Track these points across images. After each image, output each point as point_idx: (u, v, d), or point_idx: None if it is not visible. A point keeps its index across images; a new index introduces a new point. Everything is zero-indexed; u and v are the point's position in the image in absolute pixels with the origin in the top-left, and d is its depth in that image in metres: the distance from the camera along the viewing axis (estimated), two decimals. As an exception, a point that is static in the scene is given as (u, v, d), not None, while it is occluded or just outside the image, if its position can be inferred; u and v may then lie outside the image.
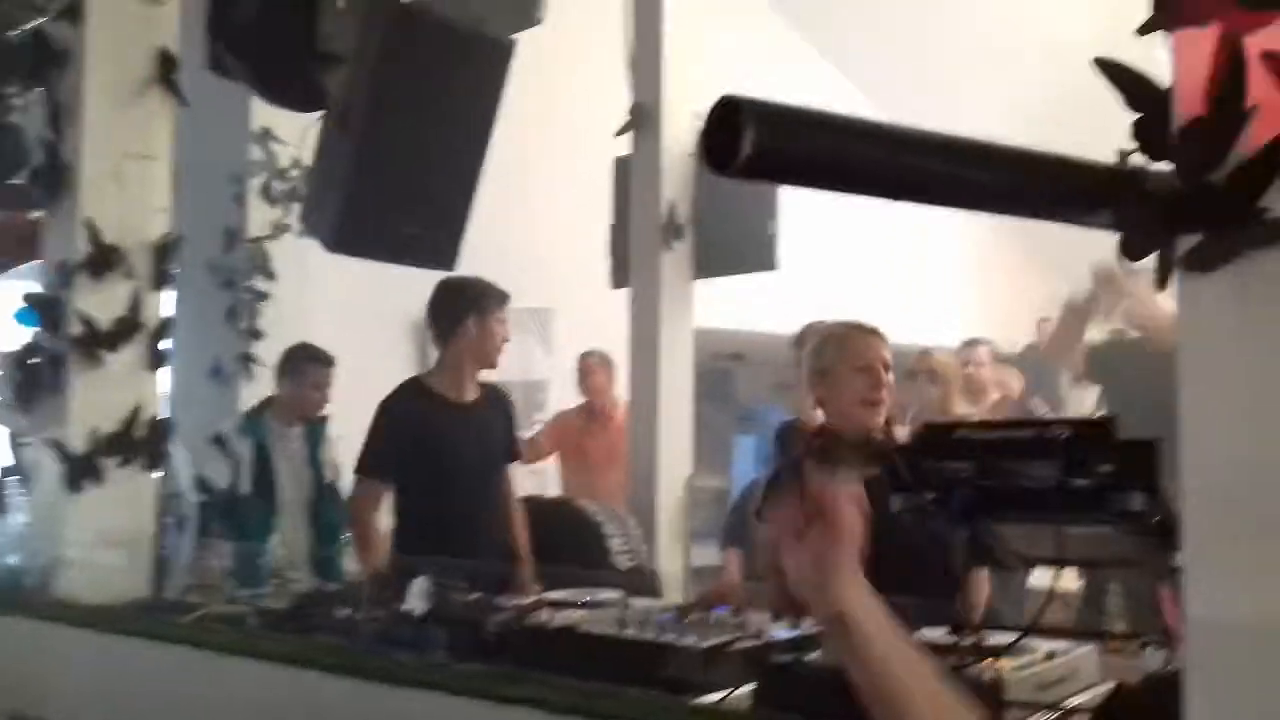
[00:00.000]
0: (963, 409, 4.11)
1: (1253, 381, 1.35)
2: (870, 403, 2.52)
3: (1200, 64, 1.40)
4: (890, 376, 2.55)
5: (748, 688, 1.79)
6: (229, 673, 2.21)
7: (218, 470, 3.89)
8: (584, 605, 2.39)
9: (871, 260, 8.29)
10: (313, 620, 2.29)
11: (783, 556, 1.08)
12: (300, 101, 3.17)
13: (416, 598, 2.03)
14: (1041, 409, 5.35)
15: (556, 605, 2.36)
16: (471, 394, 3.42)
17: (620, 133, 4.36)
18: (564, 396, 6.03)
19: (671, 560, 3.84)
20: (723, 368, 9.00)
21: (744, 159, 1.15)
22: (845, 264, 8.04)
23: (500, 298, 3.47)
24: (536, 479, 6.57)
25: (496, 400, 3.54)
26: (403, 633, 2.02)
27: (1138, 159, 1.49)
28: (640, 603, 2.47)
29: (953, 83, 7.73)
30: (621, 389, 5.62)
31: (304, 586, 3.05)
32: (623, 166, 4.55)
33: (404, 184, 3.20)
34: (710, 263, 4.23)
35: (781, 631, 2.04)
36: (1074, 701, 1.75)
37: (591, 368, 5.57)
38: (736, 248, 4.17)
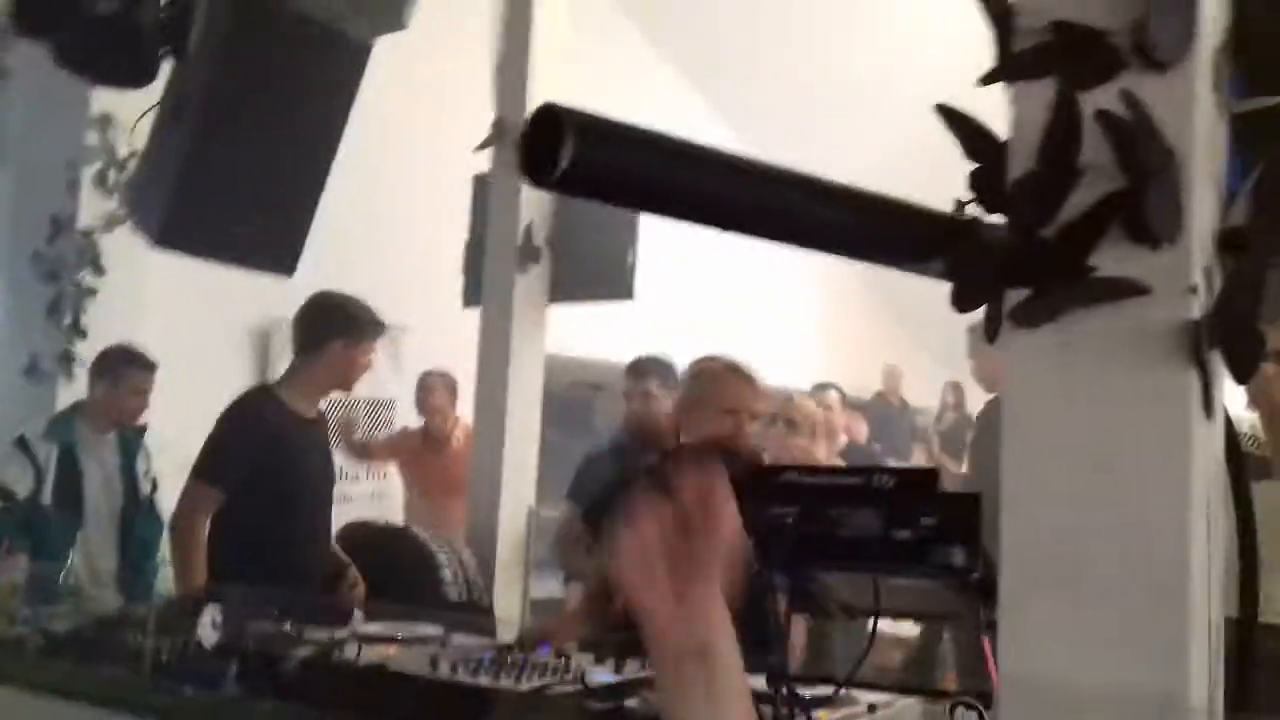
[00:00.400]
0: (820, 454, 4.15)
1: (1074, 441, 1.34)
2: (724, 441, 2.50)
3: (1037, 118, 1.40)
4: (753, 424, 2.56)
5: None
6: (-11, 704, 2.01)
7: (18, 477, 3.62)
8: (400, 641, 2.27)
9: (727, 296, 8.36)
10: (98, 646, 2.11)
11: (631, 577, 0.87)
12: (119, 76, 2.98)
13: (207, 627, 1.88)
14: (882, 456, 5.45)
15: (370, 640, 2.23)
16: (315, 411, 3.27)
17: (481, 147, 4.26)
18: (411, 416, 5.86)
19: (510, 593, 3.73)
20: (582, 397, 8.92)
21: (562, 170, 1.08)
22: (702, 297, 8.08)
23: (376, 329, 3.32)
24: (379, 503, 6.39)
25: (324, 421, 3.43)
26: (192, 665, 1.87)
27: (974, 210, 1.48)
28: (461, 640, 2.36)
29: (825, 124, 7.87)
30: (465, 411, 5.50)
31: (104, 607, 2.84)
32: (482, 184, 4.45)
33: (240, 181, 3.03)
34: (566, 288, 4.16)
35: (602, 675, 1.96)
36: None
37: (432, 387, 5.44)
38: (594, 274, 4.11)
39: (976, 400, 5.65)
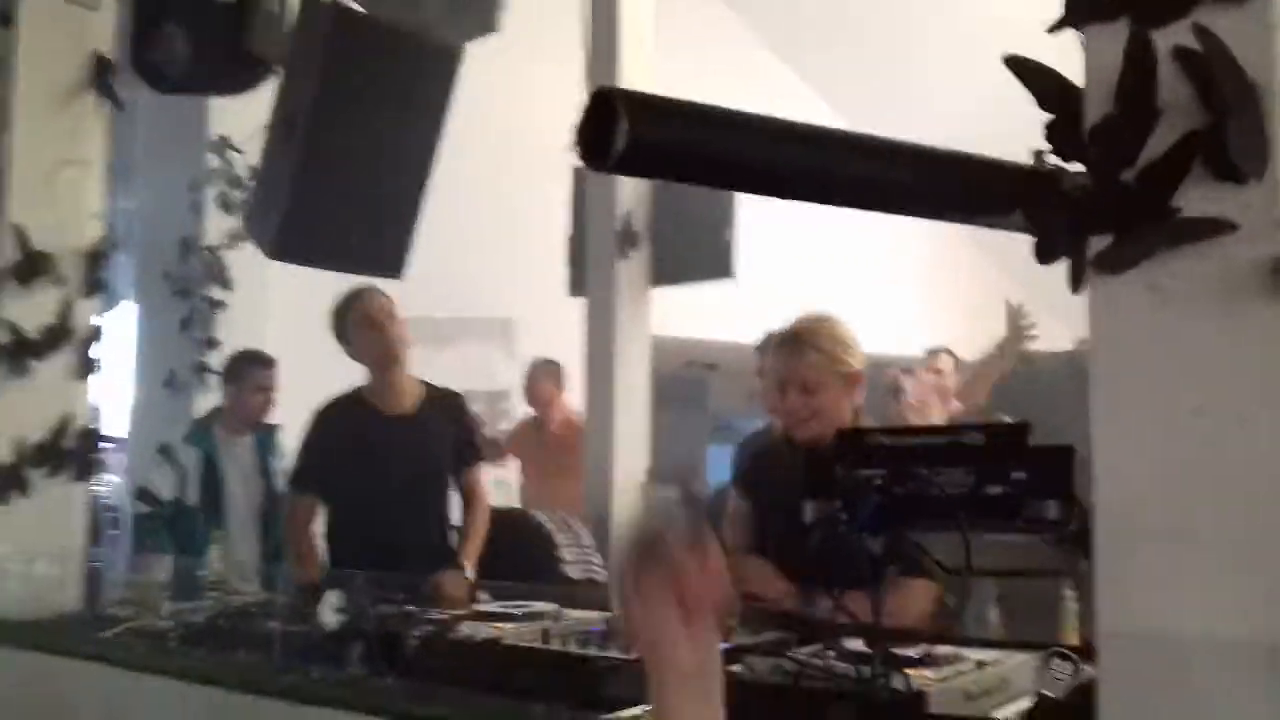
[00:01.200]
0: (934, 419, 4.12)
1: (1165, 385, 1.31)
2: (784, 415, 2.48)
3: (1111, 61, 1.37)
4: (817, 394, 2.43)
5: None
6: (136, 690, 2.14)
7: (164, 481, 3.83)
8: (515, 617, 2.34)
9: (832, 263, 8.27)
10: (232, 635, 2.23)
11: (645, 616, 1.07)
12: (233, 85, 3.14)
13: (329, 611, 1.97)
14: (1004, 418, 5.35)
15: (487, 617, 2.31)
16: (409, 402, 3.35)
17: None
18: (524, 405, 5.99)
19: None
20: (696, 376, 8.95)
21: (618, 152, 1.11)
22: (808, 270, 8.01)
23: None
24: (501, 490, 6.54)
25: (444, 406, 3.48)
26: (317, 647, 1.97)
27: (1053, 160, 1.46)
28: (574, 614, 2.42)
29: (919, 87, 7.72)
30: (575, 398, 5.61)
31: (247, 599, 2.99)
32: (581, 175, 4.51)
33: (347, 191, 3.16)
34: (667, 271, 4.19)
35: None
36: (1000, 713, 1.71)
37: (538, 377, 5.57)
38: (693, 255, 4.13)
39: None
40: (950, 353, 5.05)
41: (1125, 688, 1.28)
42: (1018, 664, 1.82)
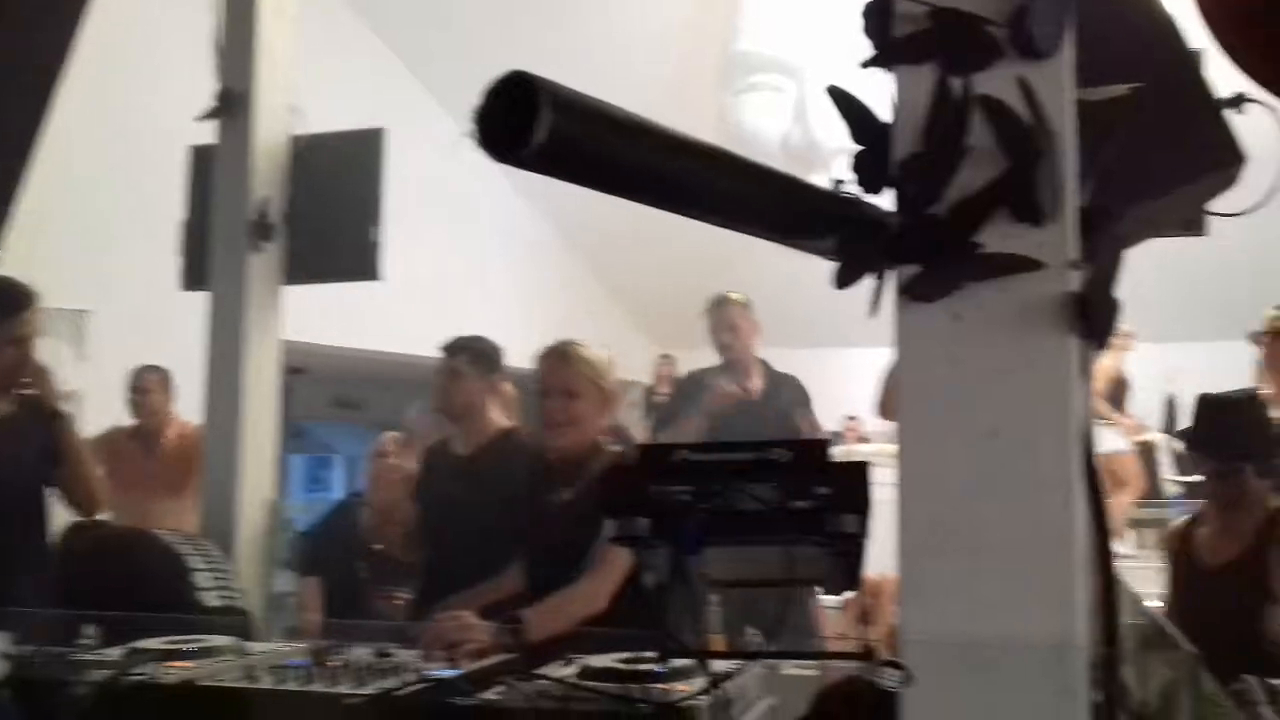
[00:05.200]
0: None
1: (964, 408, 1.41)
2: (546, 424, 2.61)
3: (920, 101, 1.46)
4: (578, 401, 2.61)
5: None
6: None
7: None
8: (188, 655, 2.05)
9: (444, 276, 8.22)
10: None
11: None
12: None
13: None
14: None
15: (151, 656, 2.00)
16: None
17: (205, 118, 3.92)
18: (103, 410, 5.34)
19: (253, 593, 3.46)
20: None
21: (537, 145, 1.01)
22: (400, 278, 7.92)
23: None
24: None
25: (34, 411, 3.08)
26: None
27: (853, 189, 1.52)
28: (259, 648, 2.18)
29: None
30: (183, 407, 5.14)
31: None
32: (202, 156, 4.09)
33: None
34: (304, 268, 3.90)
35: (442, 670, 1.87)
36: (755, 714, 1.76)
37: (148, 386, 5.04)
38: (334, 254, 3.88)
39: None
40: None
41: (928, 687, 1.36)
42: (751, 671, 1.89)
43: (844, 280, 1.52)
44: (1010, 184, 1.39)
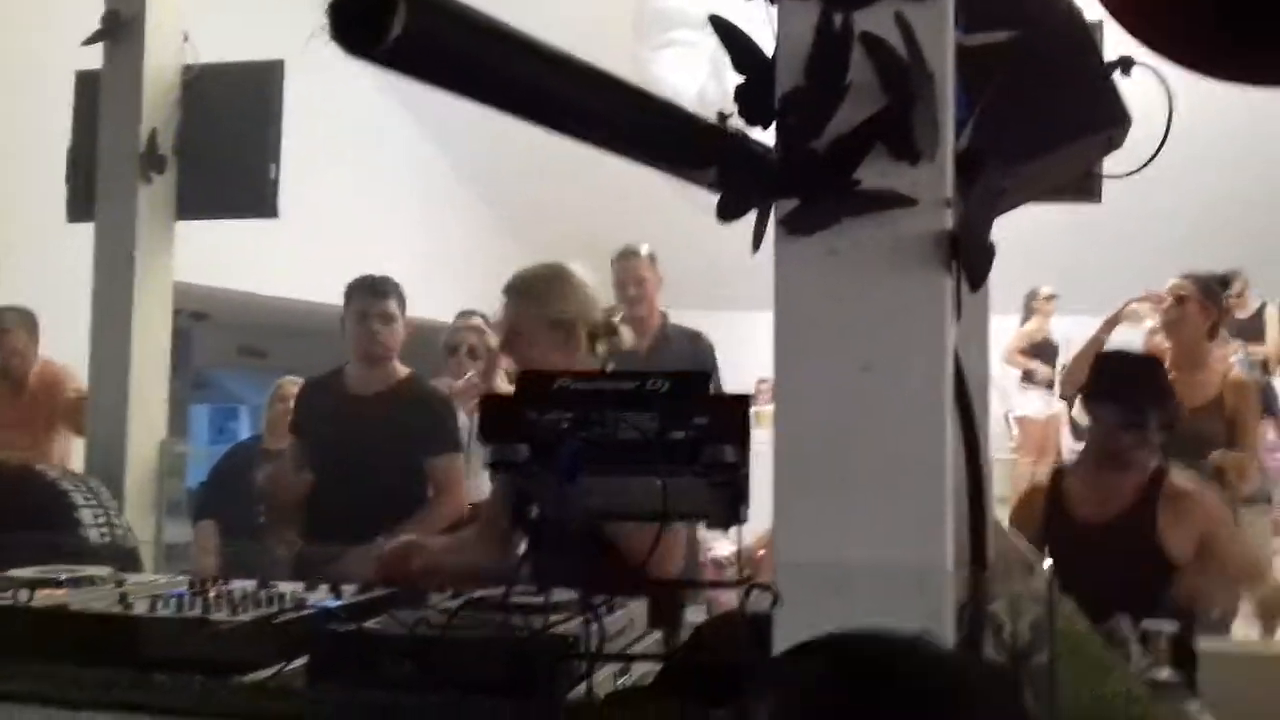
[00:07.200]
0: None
1: (840, 343, 1.44)
2: None
3: (804, 35, 1.47)
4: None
5: (299, 662, 1.60)
6: None
7: None
8: (63, 584, 2.01)
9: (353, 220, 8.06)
10: None
11: None
12: None
13: None
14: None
15: (26, 585, 1.96)
16: None
17: (89, 42, 3.78)
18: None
19: (141, 533, 3.40)
20: (180, 326, 8.27)
21: (393, 40, 0.99)
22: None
23: None
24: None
25: None
26: None
27: (737, 123, 1.53)
28: (136, 578, 2.15)
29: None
30: (44, 348, 5.02)
31: None
32: (88, 82, 3.95)
33: None
34: (197, 203, 3.80)
35: (327, 600, 1.86)
36: (636, 650, 1.79)
37: (7, 325, 4.90)
38: (230, 188, 3.78)
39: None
40: (483, 315, 5.13)
41: (799, 611, 1.39)
42: (635, 605, 1.91)
43: (726, 212, 1.53)
44: (888, 121, 1.41)
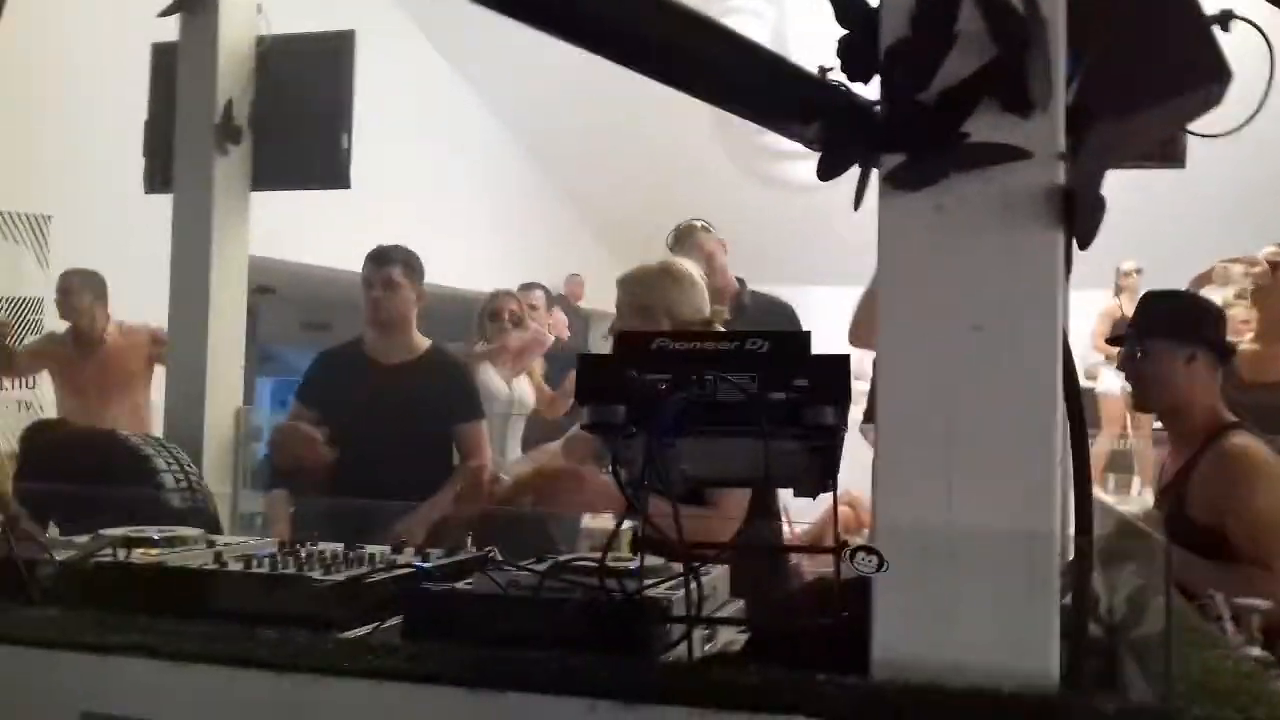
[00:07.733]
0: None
1: (947, 301, 1.40)
2: None
3: (909, -14, 1.42)
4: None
5: (394, 620, 1.61)
6: None
7: None
8: (158, 543, 2.04)
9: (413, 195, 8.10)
10: None
11: None
12: None
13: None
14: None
15: (118, 542, 1.99)
16: None
17: (166, 13, 3.81)
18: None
19: (220, 500, 3.44)
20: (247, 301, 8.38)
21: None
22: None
23: None
24: (27, 412, 5.68)
25: None
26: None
27: (839, 77, 1.50)
28: (225, 539, 2.17)
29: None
30: (117, 311, 5.09)
31: None
32: (164, 54, 3.98)
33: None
34: (271, 174, 3.82)
35: (417, 562, 1.87)
36: (724, 614, 1.78)
37: (71, 288, 4.99)
38: (303, 159, 3.79)
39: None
40: (543, 288, 5.16)
41: (901, 576, 1.37)
42: (719, 572, 1.89)
43: (827, 170, 1.50)
44: (999, 72, 1.37)
